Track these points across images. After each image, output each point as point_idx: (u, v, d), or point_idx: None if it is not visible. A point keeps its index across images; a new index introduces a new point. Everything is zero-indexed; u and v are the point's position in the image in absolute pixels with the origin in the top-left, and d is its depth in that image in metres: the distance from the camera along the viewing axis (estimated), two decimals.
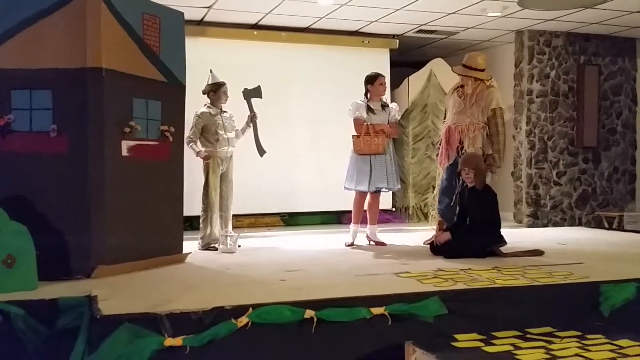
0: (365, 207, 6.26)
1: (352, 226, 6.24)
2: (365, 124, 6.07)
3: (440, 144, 6.07)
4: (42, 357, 3.34)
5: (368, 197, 6.23)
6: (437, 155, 6.14)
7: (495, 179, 5.80)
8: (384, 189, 6.25)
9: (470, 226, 5.30)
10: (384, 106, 6.27)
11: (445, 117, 6.34)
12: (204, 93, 6.14)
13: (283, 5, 7.49)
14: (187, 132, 5.59)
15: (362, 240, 6.27)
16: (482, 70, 5.79)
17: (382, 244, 6.21)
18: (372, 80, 6.23)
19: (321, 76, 8.64)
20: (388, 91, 8.88)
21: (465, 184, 5.38)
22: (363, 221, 6.27)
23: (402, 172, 9.45)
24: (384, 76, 6.37)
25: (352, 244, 6.17)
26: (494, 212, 5.31)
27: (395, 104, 6.59)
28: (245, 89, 6.35)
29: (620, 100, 9.39)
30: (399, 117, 6.45)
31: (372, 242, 6.25)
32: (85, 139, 4.41)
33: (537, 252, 5.40)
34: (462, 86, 5.87)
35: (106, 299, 3.50)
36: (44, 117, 4.38)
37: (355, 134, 6.13)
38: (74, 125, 4.40)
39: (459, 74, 5.87)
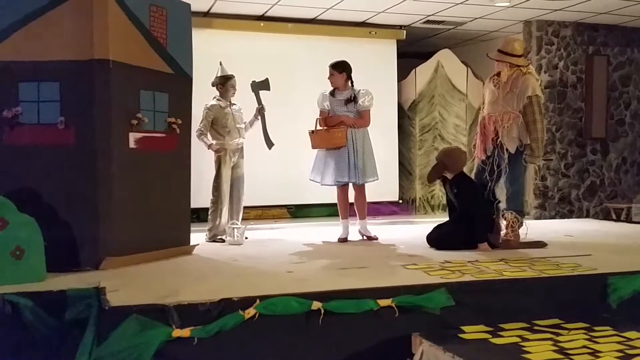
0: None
1: (341, 221, 6.07)
2: (317, 118, 5.94)
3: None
4: (51, 348, 3.36)
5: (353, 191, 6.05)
6: (473, 146, 5.80)
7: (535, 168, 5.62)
8: (348, 183, 5.95)
9: (458, 216, 5.35)
10: (351, 99, 5.88)
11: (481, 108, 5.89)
12: (213, 85, 6.13)
13: None
14: (194, 124, 5.56)
15: (355, 235, 6.10)
16: (519, 57, 5.51)
17: (374, 238, 6.00)
18: None
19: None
20: (395, 83, 8.95)
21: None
22: (353, 214, 6.10)
23: (409, 163, 9.46)
24: (330, 66, 5.97)
25: (345, 239, 5.96)
26: (471, 199, 5.25)
27: (366, 90, 5.99)
28: (254, 82, 6.32)
29: (629, 90, 9.32)
30: (369, 105, 5.92)
31: (364, 237, 6.05)
32: (92, 131, 4.42)
33: (540, 244, 5.37)
34: (497, 74, 5.53)
35: (114, 290, 3.52)
36: (52, 109, 4.39)
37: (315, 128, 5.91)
38: (81, 118, 4.41)
39: (494, 59, 5.56)
